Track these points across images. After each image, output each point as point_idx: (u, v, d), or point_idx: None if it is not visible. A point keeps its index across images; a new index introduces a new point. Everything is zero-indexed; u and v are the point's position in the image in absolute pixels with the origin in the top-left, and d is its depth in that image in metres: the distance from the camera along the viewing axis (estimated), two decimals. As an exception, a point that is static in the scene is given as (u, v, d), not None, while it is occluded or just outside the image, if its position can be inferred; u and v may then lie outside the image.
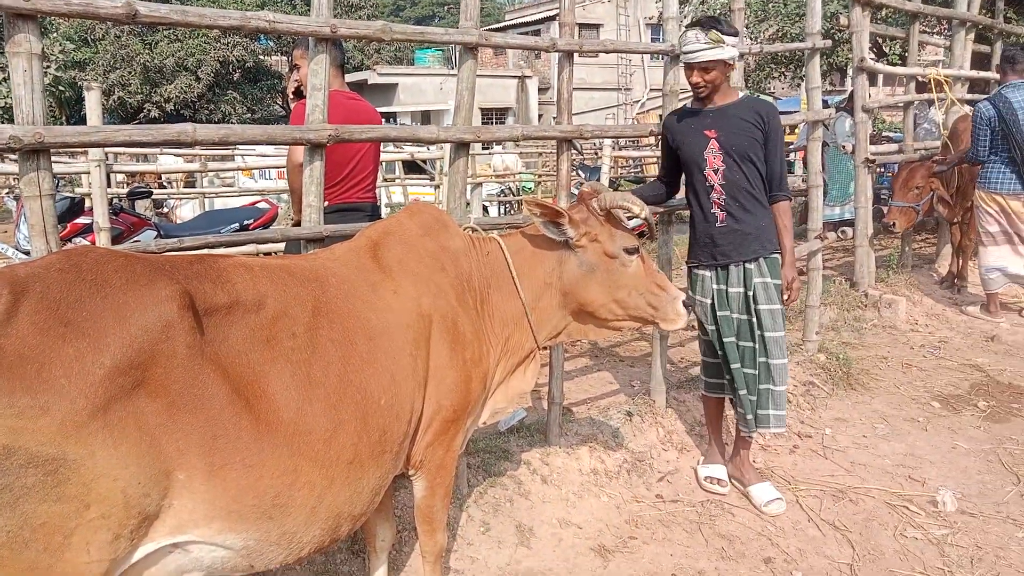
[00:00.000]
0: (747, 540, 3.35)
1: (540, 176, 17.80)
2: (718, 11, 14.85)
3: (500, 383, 2.71)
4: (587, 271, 2.65)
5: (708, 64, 3.28)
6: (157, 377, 1.61)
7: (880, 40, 12.54)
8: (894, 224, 6.57)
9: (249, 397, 1.77)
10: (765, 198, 3.46)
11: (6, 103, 16.65)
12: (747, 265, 3.42)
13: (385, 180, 14.02)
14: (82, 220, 5.54)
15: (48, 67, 17.88)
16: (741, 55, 4.46)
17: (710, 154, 3.40)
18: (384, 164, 13.02)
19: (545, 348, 2.87)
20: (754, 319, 3.42)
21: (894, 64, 10.91)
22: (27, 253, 5.34)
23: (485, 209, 14.02)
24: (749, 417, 3.50)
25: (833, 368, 5.06)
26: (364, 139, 2.99)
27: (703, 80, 3.34)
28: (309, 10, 2.74)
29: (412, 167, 14.91)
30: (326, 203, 3.02)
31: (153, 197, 9.38)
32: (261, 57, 29.35)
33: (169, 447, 1.62)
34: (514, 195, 17.13)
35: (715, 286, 3.51)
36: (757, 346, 3.43)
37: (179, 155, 14.17)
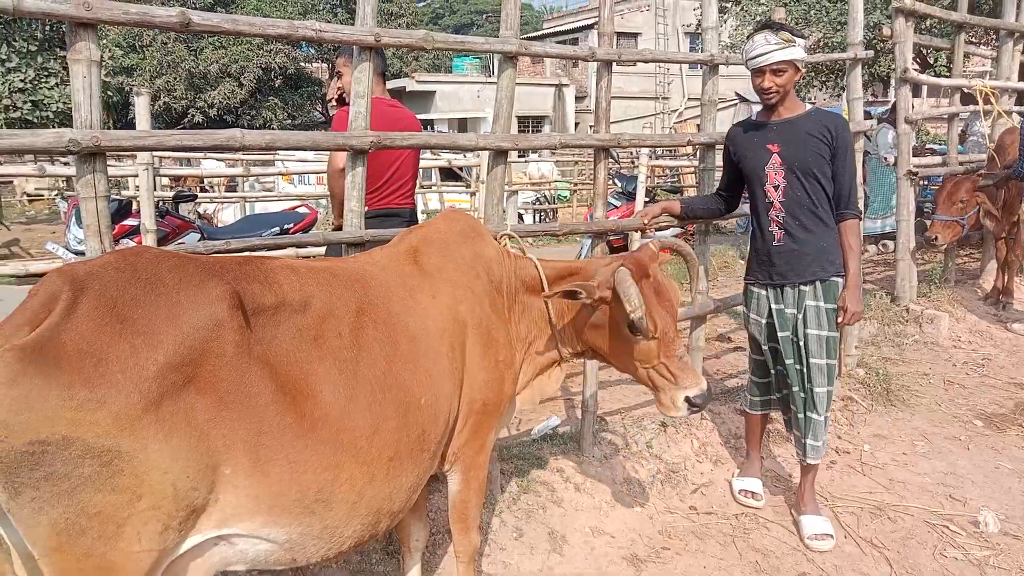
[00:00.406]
0: (782, 555, 3.32)
1: (576, 184, 17.81)
2: (757, 19, 14.72)
3: (526, 385, 2.77)
4: (596, 323, 2.63)
5: (780, 66, 3.14)
6: (207, 374, 1.66)
7: (924, 51, 12.32)
8: (937, 238, 6.44)
9: (294, 395, 1.82)
10: (829, 217, 3.29)
11: (58, 107, 17.12)
12: (802, 287, 3.30)
13: (422, 187, 14.15)
14: (130, 222, 5.69)
15: (98, 73, 18.30)
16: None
17: (771, 169, 3.28)
18: (421, 171, 13.14)
19: (573, 360, 2.87)
20: (802, 342, 3.31)
21: (939, 75, 10.72)
22: (78, 254, 5.51)
23: (520, 217, 14.07)
24: (807, 443, 3.42)
25: (872, 383, 4.98)
26: (405, 146, 3.03)
27: (775, 84, 3.17)
28: (351, 18, 2.80)
29: (449, 174, 15.02)
30: (365, 208, 3.07)
31: (196, 201, 9.58)
32: (302, 64, 29.80)
33: (216, 442, 1.67)
34: (549, 203, 17.17)
35: (773, 305, 3.40)
36: (806, 371, 3.33)
37: (221, 159, 14.46)
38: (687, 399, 2.53)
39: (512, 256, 2.71)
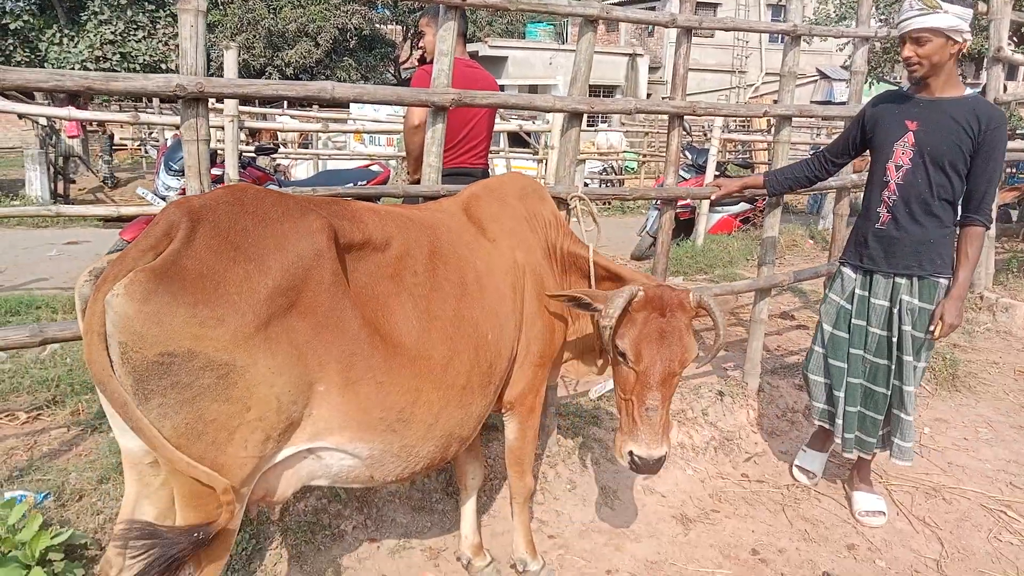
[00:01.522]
0: (831, 525, 3.36)
1: (644, 156, 17.61)
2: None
3: (572, 359, 2.87)
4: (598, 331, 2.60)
5: (920, 34, 2.85)
6: (307, 299, 1.80)
7: (1022, 29, 11.70)
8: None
9: (379, 323, 1.97)
10: (947, 213, 3.05)
11: (144, 59, 17.75)
12: (897, 279, 3.12)
13: (490, 151, 14.22)
14: (214, 171, 5.93)
15: (183, 28, 18.89)
16: (865, 39, 4.32)
17: (900, 147, 3.05)
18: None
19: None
20: (895, 338, 3.15)
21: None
22: (165, 199, 5.80)
23: (585, 185, 14.02)
24: (849, 437, 3.32)
25: (938, 368, 4.90)
26: (484, 104, 3.12)
27: (915, 54, 2.90)
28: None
29: (517, 140, 15.05)
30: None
31: (274, 156, 9.88)
32: (377, 25, 30.06)
33: (313, 361, 1.81)
34: (616, 174, 17.05)
35: (858, 291, 3.25)
36: (894, 367, 3.18)
37: (296, 116, 14.80)
38: (631, 453, 2.39)
39: (572, 236, 2.81)
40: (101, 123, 15.05)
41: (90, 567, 2.52)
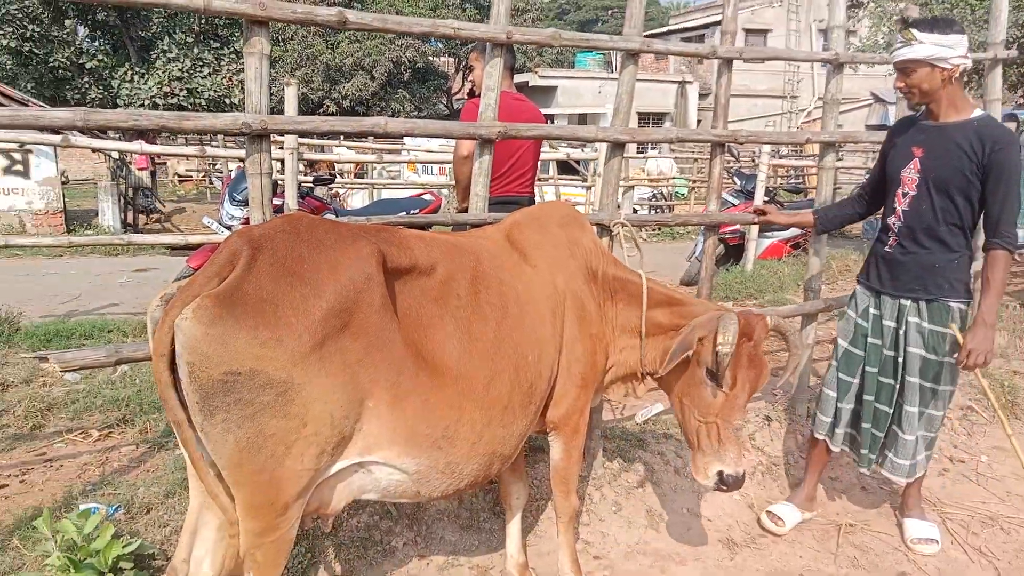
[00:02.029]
0: (882, 553, 3.32)
1: (694, 182, 17.57)
2: (894, 18, 14.03)
3: (613, 382, 2.92)
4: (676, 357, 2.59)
5: (904, 65, 2.94)
6: (359, 321, 1.92)
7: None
8: None
9: (425, 344, 2.09)
10: (956, 238, 3.03)
11: (210, 95, 18.52)
12: (903, 301, 3.15)
13: (539, 179, 14.40)
14: (275, 202, 6.19)
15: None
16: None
17: (907, 174, 3.10)
18: (540, 164, 13.40)
19: (646, 378, 2.90)
20: (900, 359, 3.16)
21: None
22: (229, 228, 6.08)
23: (635, 212, 14.06)
24: (864, 452, 3.29)
25: (996, 395, 4.78)
26: (529, 136, 3.24)
27: (905, 83, 2.97)
28: (478, 14, 3.04)
29: (566, 168, 15.21)
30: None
31: (331, 185, 10.21)
32: (430, 58, 30.76)
33: (364, 379, 1.93)
34: (666, 200, 17.04)
35: (872, 310, 3.28)
36: (898, 387, 3.19)
37: (352, 147, 15.26)
38: (720, 473, 2.52)
39: (617, 262, 2.88)
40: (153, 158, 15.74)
41: (157, 575, 2.67)
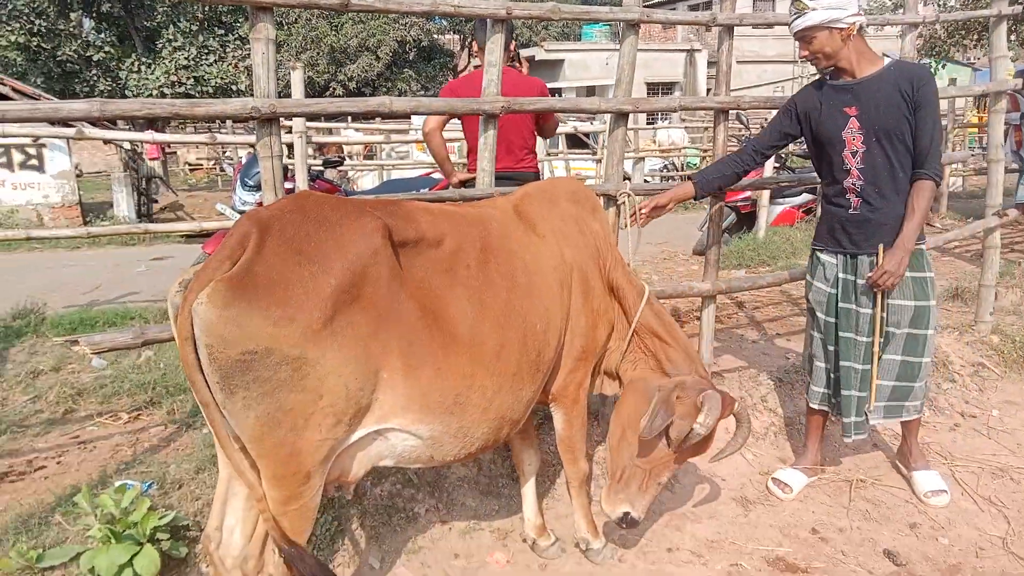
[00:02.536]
0: (893, 506, 3.39)
1: (706, 152, 17.47)
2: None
3: (604, 372, 3.01)
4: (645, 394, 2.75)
5: (804, 34, 3.00)
6: (368, 294, 1.99)
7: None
8: None
9: (435, 314, 2.16)
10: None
11: (217, 83, 18.58)
12: (879, 258, 3.13)
13: (548, 154, 14.38)
14: (286, 185, 6.27)
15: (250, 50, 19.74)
16: (913, 26, 4.32)
17: (848, 134, 3.09)
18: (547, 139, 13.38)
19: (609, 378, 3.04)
20: (884, 314, 3.16)
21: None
22: (241, 213, 6.17)
23: (646, 182, 14.04)
24: (848, 421, 3.27)
25: (1007, 351, 4.82)
26: (532, 110, 3.29)
27: (809, 51, 3.04)
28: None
29: (576, 142, 15.18)
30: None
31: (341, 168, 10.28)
32: (435, 36, 30.64)
33: (376, 351, 2.01)
34: (678, 170, 16.98)
35: (841, 274, 3.25)
36: (883, 340, 3.18)
37: (360, 128, 15.31)
38: (626, 513, 2.69)
39: (624, 268, 2.92)
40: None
41: (193, 546, 2.80)
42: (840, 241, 3.24)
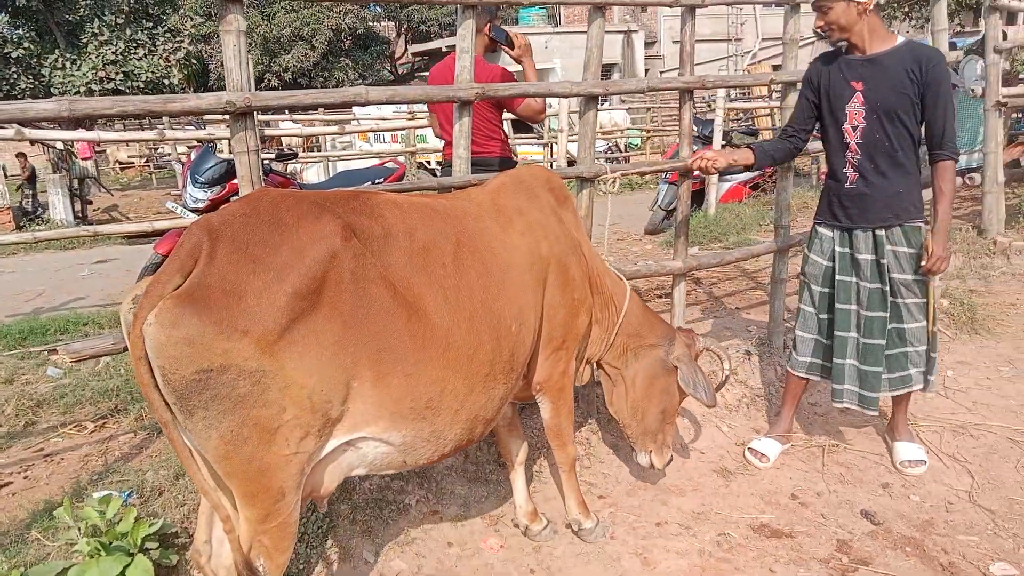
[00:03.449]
0: (865, 468, 3.53)
1: (649, 132, 17.67)
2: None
3: (587, 360, 3.08)
4: (652, 370, 3.09)
5: (822, 4, 3.05)
6: (329, 300, 1.89)
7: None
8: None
9: (406, 317, 2.05)
10: (911, 161, 3.17)
11: (147, 77, 17.93)
12: (876, 232, 3.22)
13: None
14: (236, 181, 6.11)
15: (181, 43, 19.08)
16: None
17: (852, 108, 3.16)
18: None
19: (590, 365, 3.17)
20: (887, 288, 3.24)
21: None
22: (194, 211, 6.00)
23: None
24: (839, 388, 3.37)
25: (957, 314, 5.04)
26: (506, 95, 3.28)
27: (824, 22, 3.08)
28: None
29: (521, 126, 15.18)
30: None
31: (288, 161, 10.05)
32: (371, 23, 30.16)
33: (344, 359, 1.91)
34: (621, 151, 17.15)
35: (838, 248, 3.33)
36: (890, 315, 3.26)
37: (299, 120, 15.03)
38: (672, 457, 3.16)
39: (605, 265, 3.08)
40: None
41: (182, 553, 2.73)
42: (837, 215, 3.32)
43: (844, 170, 3.26)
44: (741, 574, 2.84)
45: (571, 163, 7.19)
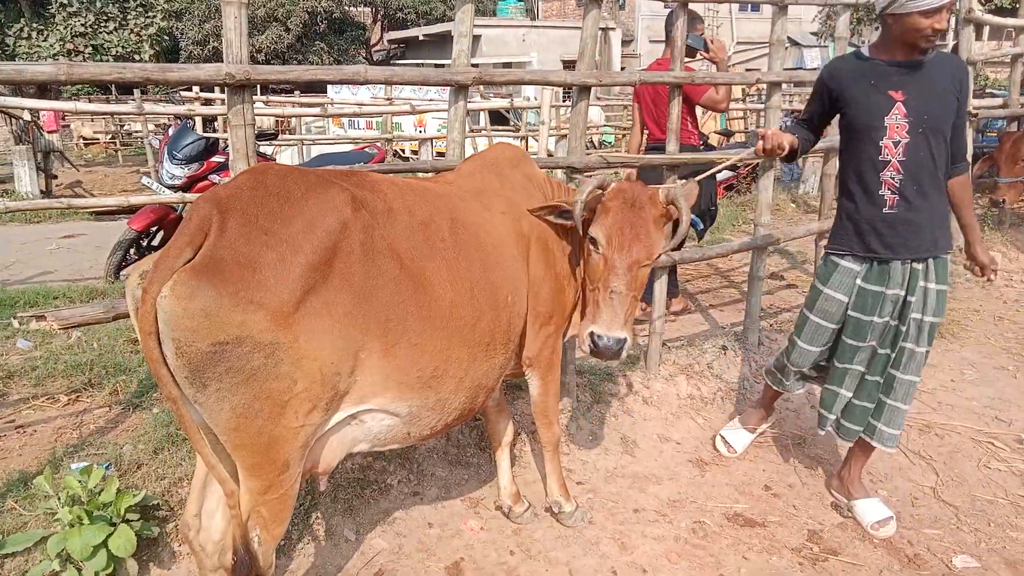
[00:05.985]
0: (836, 462, 3.62)
1: (624, 130, 17.77)
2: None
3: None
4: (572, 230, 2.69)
5: (950, 5, 2.60)
6: (340, 271, 1.90)
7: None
8: (1003, 201, 6.62)
9: (413, 288, 2.09)
10: (944, 182, 2.87)
11: (117, 51, 17.56)
12: (914, 264, 2.85)
13: (472, 131, 14.35)
14: (217, 159, 6.06)
15: (153, 18, 18.71)
16: (848, 6, 4.57)
17: (893, 121, 2.77)
18: (470, 115, 13.36)
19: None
20: (903, 328, 2.90)
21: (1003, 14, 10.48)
22: (171, 188, 5.92)
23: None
24: (830, 416, 3.14)
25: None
26: (503, 82, 3.29)
27: (943, 26, 2.64)
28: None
29: (498, 118, 15.19)
30: None
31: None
32: (347, 7, 29.83)
33: (354, 331, 1.93)
34: (595, 148, 17.24)
35: (860, 282, 2.94)
36: (893, 356, 2.96)
37: (271, 101, 14.83)
38: (591, 333, 2.47)
39: (562, 186, 2.99)
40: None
41: (163, 525, 2.72)
42: (869, 244, 2.90)
43: (880, 192, 2.84)
44: (716, 560, 2.91)
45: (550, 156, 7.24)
